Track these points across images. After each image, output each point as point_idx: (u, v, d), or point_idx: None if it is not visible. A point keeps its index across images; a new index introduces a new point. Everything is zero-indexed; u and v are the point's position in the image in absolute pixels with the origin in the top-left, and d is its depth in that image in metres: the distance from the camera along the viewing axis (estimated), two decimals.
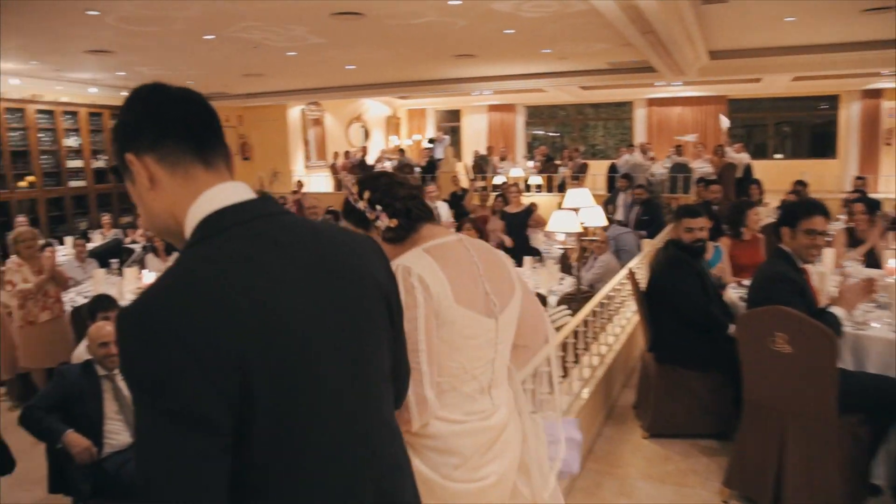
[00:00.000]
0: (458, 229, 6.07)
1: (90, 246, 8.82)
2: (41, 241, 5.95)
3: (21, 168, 10.86)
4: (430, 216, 1.70)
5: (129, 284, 6.68)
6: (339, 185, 15.74)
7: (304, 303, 1.02)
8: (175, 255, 6.10)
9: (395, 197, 1.65)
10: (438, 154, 15.70)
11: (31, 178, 10.96)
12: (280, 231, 1.06)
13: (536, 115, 18.94)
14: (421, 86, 13.92)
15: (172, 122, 1.09)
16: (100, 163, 12.14)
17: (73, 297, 6.32)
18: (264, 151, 16.40)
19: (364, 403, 1.09)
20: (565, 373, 3.74)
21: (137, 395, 0.92)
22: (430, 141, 17.14)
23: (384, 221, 1.65)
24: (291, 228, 1.08)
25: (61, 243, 8.35)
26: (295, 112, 16.33)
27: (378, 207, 1.65)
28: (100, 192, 12.13)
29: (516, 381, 1.80)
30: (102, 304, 4.09)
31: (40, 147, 11.03)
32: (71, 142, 11.54)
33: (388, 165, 16.14)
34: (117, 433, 3.27)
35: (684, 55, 9.21)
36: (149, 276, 6.74)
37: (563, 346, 3.65)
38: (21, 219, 9.75)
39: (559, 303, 5.29)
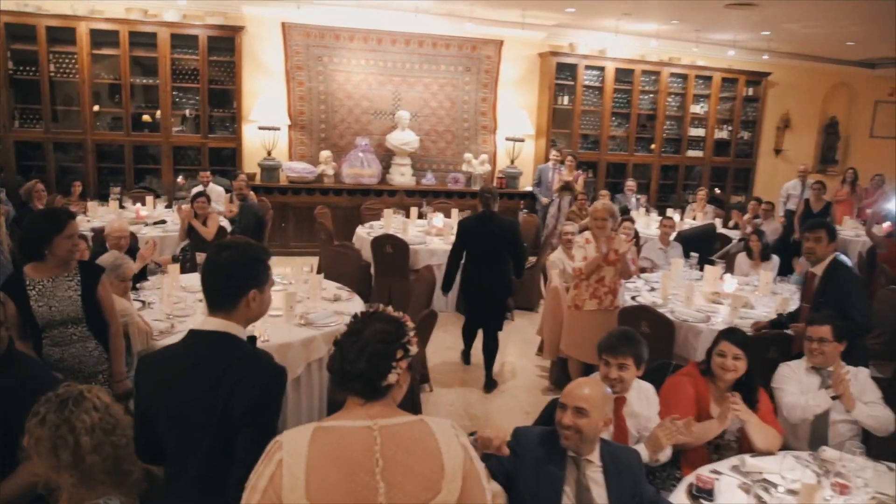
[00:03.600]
0: None
1: (681, 225, 7.91)
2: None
3: (645, 132, 10.67)
4: (355, 391, 1.58)
5: (706, 286, 5.44)
6: None
7: (172, 384, 1.87)
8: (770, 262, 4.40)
9: (345, 353, 1.58)
10: None
11: (653, 146, 10.70)
12: (189, 346, 1.92)
13: None
14: None
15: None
16: (723, 133, 11.07)
17: (637, 288, 5.44)
18: None
19: (186, 448, 1.85)
20: None
21: None
22: None
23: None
24: (197, 347, 1.91)
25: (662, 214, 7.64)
26: None
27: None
28: (714, 165, 11.12)
29: None
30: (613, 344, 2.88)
31: (667, 112, 10.59)
32: (697, 109, 10.78)
33: None
34: None
35: None
36: (730, 284, 5.32)
37: None
38: (630, 183, 9.54)
39: None
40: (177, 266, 4.41)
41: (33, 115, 8.37)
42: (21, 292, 2.95)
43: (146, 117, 8.74)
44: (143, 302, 4.09)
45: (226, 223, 7.05)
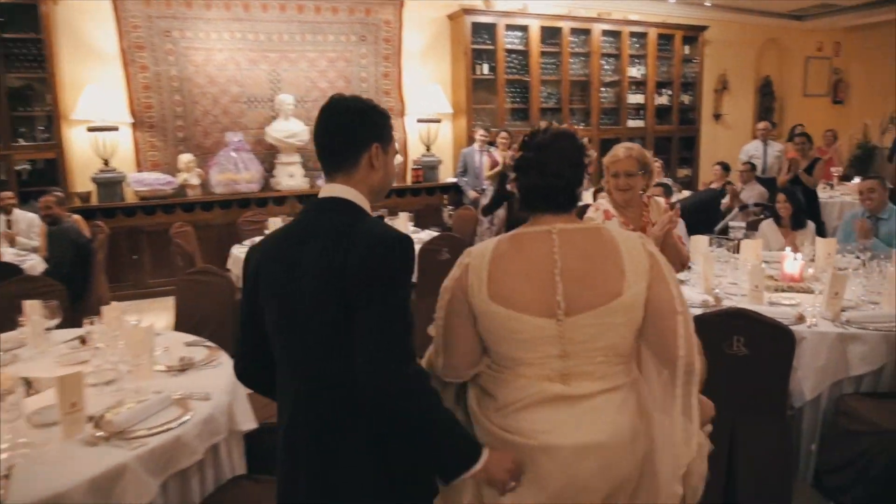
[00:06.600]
0: None
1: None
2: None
3: (580, 102, 9.03)
4: (552, 209, 1.56)
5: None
6: None
7: (279, 258, 1.52)
8: None
9: (527, 176, 1.57)
10: None
11: (581, 121, 9.10)
12: (299, 221, 1.56)
13: None
14: None
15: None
16: (662, 98, 9.61)
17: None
18: (867, 92, 11.76)
19: (297, 350, 1.50)
20: None
21: None
22: None
23: (515, 191, 1.62)
24: (308, 219, 1.55)
25: None
26: None
27: (512, 175, 1.62)
28: (658, 136, 9.64)
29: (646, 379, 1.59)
30: None
31: (602, 78, 9.00)
32: (634, 72, 9.26)
33: None
34: None
35: None
36: (793, 264, 3.61)
37: None
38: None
39: None
40: None
41: None
42: None
43: None
44: None
45: (37, 260, 4.82)
